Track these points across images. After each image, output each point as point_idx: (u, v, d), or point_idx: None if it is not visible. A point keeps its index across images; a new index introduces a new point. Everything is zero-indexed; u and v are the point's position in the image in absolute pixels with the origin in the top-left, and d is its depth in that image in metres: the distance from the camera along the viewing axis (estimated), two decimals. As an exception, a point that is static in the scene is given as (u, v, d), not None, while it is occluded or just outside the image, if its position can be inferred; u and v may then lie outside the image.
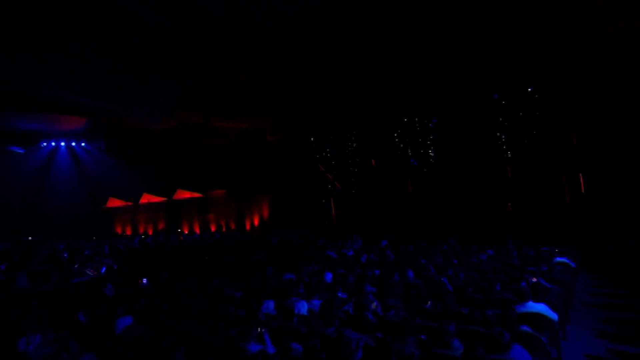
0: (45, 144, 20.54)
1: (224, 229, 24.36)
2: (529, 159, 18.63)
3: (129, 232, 23.21)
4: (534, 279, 6.29)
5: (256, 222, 25.07)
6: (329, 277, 8.16)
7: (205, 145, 23.45)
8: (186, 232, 23.62)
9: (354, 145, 25.52)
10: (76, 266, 11.13)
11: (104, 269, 10.33)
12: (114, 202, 23.11)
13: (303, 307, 5.66)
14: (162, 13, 11.31)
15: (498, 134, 20.29)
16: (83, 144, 22.14)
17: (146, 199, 23.36)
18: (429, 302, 6.16)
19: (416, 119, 23.21)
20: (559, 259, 8.09)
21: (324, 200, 25.25)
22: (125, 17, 11.50)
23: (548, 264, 7.67)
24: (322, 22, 11.63)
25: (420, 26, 11.87)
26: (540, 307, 5.09)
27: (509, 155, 19.95)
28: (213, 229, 24.41)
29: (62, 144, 21.26)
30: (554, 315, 5.04)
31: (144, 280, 9.89)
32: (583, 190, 15.26)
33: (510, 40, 12.46)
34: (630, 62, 11.93)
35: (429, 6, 10.82)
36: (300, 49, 13.86)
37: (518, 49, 13.08)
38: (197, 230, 24.03)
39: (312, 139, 25.24)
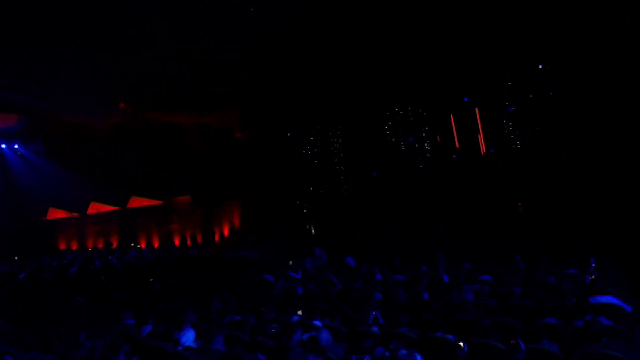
0: (-38, 146, 17.54)
1: (188, 242, 21.18)
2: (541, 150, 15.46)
3: (74, 247, 20.08)
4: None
5: (226, 232, 21.77)
6: (189, 336, 4.68)
7: (162, 145, 20.23)
8: (144, 246, 20.42)
9: (340, 141, 22.33)
10: None
11: None
12: (56, 214, 20.00)
13: None
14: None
15: (504, 120, 17.46)
16: (16, 147, 19.06)
17: (95, 208, 20.20)
18: None
19: (409, 108, 20.16)
20: (601, 299, 4.46)
21: (304, 204, 22.03)
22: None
23: (584, 311, 4.08)
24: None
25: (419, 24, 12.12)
26: None
27: (518, 146, 17.02)
28: (177, 241, 21.20)
29: (-12, 146, 18.25)
30: None
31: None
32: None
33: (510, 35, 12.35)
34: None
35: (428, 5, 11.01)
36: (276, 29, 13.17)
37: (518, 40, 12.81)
38: (156, 244, 20.82)
39: (288, 134, 21.97)
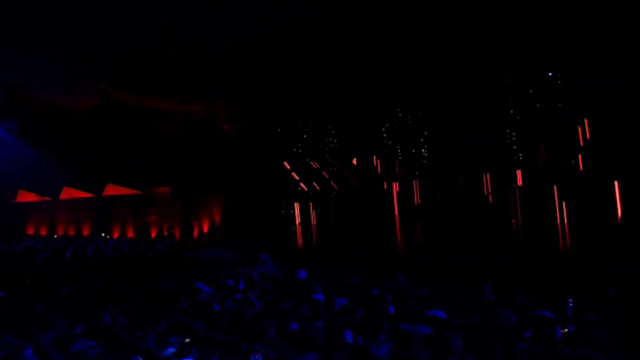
0: None
1: (165, 234, 20.13)
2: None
3: (43, 233, 19.14)
4: None
5: (205, 228, 20.63)
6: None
7: (144, 131, 19.15)
8: (115, 236, 19.41)
9: (335, 141, 21.03)
10: None
11: None
12: (27, 196, 19.05)
13: None
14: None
15: (508, 130, 16.26)
16: (-10, 124, 18.19)
17: (68, 194, 19.25)
18: None
19: (408, 111, 18.98)
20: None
21: (291, 205, 20.76)
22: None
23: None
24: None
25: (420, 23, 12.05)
26: None
27: (520, 158, 15.77)
28: (154, 234, 20.13)
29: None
30: None
31: None
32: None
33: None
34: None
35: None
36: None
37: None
38: (130, 236, 19.77)
39: (278, 130, 20.72)
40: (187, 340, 4.49)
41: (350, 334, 4.40)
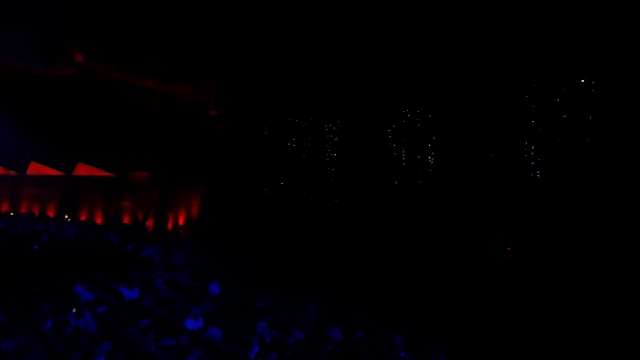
0: None
1: (141, 221, 18.63)
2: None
3: (5, 208, 17.79)
4: None
5: (181, 220, 18.96)
6: None
7: (122, 109, 17.57)
8: (83, 220, 17.93)
9: (336, 138, 19.03)
10: None
11: None
12: (-11, 169, 17.79)
13: None
14: None
15: (526, 142, 14.15)
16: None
17: (35, 169, 17.89)
18: None
19: (418, 112, 17.06)
20: None
21: (280, 204, 18.86)
22: None
23: None
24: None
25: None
26: None
27: (538, 175, 13.72)
28: (126, 221, 18.59)
29: None
30: None
31: None
32: None
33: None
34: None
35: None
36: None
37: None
38: (99, 221, 18.29)
39: (271, 121, 18.87)
40: None
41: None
